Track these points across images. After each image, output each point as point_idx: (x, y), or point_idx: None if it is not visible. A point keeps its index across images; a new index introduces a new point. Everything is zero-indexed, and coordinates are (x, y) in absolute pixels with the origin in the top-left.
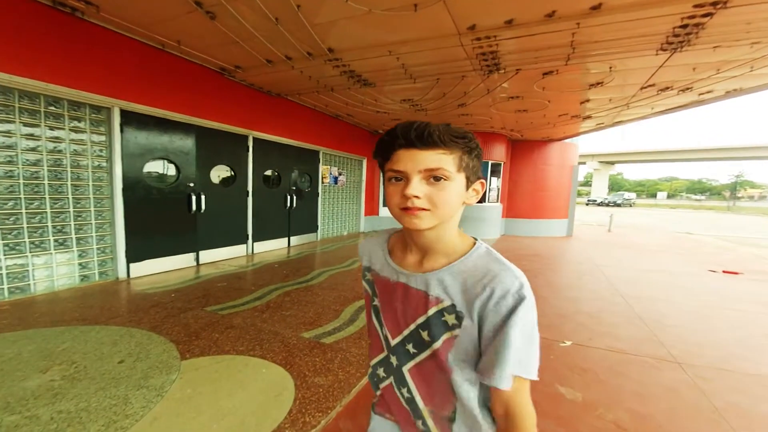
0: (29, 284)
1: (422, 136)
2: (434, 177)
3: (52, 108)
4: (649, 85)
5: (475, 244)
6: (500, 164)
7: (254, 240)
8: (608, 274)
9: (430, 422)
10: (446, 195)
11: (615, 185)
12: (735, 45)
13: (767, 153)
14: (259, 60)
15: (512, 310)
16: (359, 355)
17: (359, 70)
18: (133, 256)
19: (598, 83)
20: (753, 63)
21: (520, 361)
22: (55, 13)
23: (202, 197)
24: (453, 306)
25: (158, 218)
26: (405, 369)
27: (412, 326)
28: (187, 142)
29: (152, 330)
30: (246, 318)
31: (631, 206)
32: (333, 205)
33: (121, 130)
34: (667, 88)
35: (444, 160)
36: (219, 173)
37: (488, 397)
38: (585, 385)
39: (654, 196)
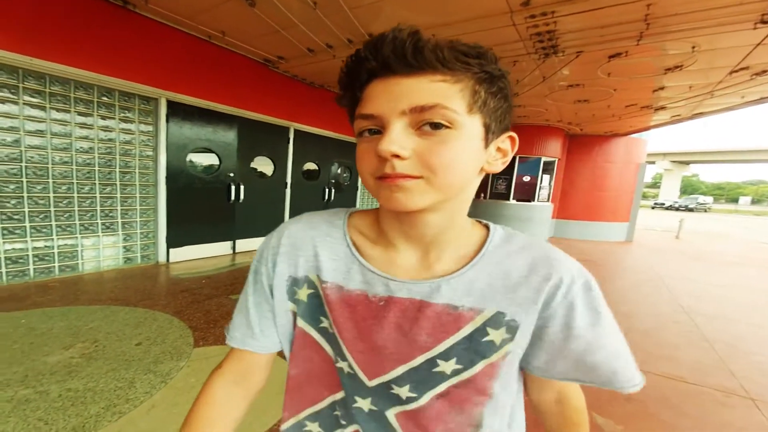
0: (78, 263)
1: (406, 53)
2: (430, 123)
3: (105, 98)
4: (742, 68)
5: (488, 227)
6: (554, 161)
7: None
8: (672, 286)
9: None
10: (451, 152)
11: (689, 187)
12: None
13: None
14: (300, 50)
15: (594, 299)
16: None
17: None
18: (173, 242)
19: (676, 67)
20: None
21: (625, 354)
22: (107, 6)
23: (242, 187)
24: (500, 314)
25: (198, 206)
26: (390, 413)
27: (419, 360)
28: (229, 134)
29: (175, 315)
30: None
31: (705, 211)
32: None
33: (167, 121)
34: (765, 71)
35: (445, 91)
36: (259, 165)
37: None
38: (628, 417)
39: (735, 201)
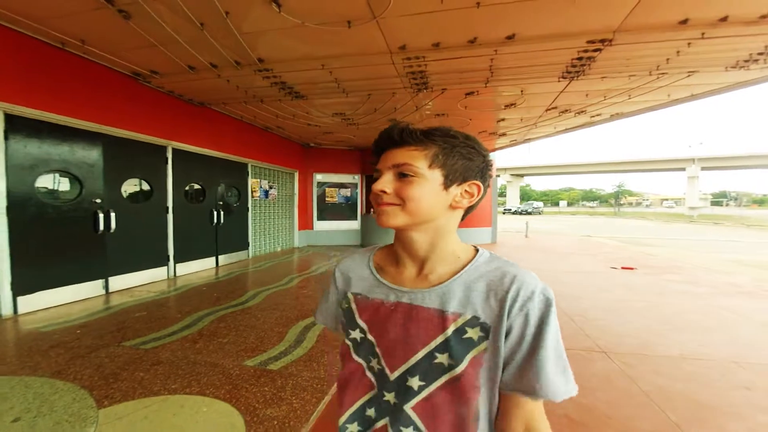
0: None
1: (397, 134)
2: (401, 172)
3: None
4: (552, 108)
5: (477, 250)
6: None
7: (176, 261)
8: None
9: None
10: (413, 190)
11: (525, 195)
12: (617, 76)
13: (640, 167)
14: (179, 66)
15: (545, 313)
16: (312, 378)
17: (291, 82)
18: (21, 288)
19: (511, 104)
20: (630, 92)
21: (564, 366)
22: None
23: (112, 215)
24: (476, 318)
25: (55, 241)
26: (407, 407)
27: (422, 353)
28: (92, 153)
29: (55, 376)
30: (176, 351)
31: (540, 214)
32: (264, 220)
33: (6, 138)
34: (566, 110)
35: (414, 156)
36: (130, 188)
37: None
38: None
39: (557, 204)
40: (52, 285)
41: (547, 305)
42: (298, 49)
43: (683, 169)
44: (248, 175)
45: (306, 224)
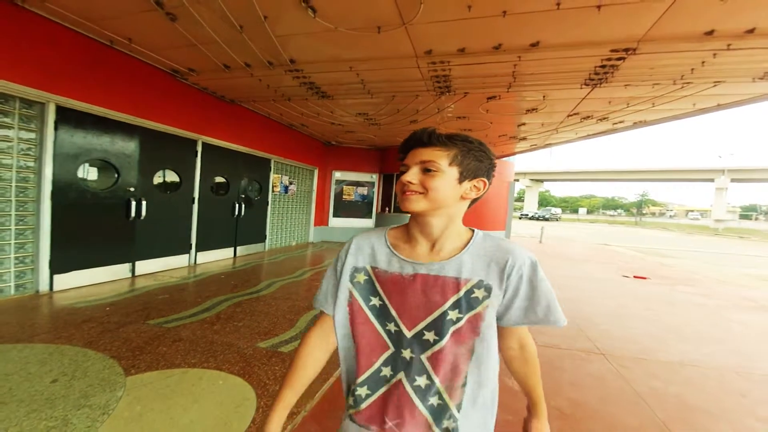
0: None
1: (426, 137)
2: (426, 168)
3: None
4: (574, 114)
5: (474, 230)
6: None
7: (198, 250)
8: None
9: (445, 395)
10: (435, 182)
11: (543, 201)
12: (641, 84)
13: (665, 176)
14: (216, 65)
15: (534, 272)
16: None
17: (319, 83)
18: (58, 267)
19: (533, 109)
20: (654, 100)
21: (552, 306)
22: None
23: (143, 203)
24: (481, 281)
25: (90, 225)
26: (423, 357)
27: (437, 312)
28: (129, 144)
29: (87, 346)
30: (195, 330)
31: (557, 220)
32: (282, 214)
33: (56, 128)
34: (588, 117)
35: (437, 155)
36: (163, 178)
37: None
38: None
39: (576, 211)
40: (85, 266)
41: (534, 267)
42: (329, 52)
43: (712, 180)
44: (271, 170)
45: (322, 220)
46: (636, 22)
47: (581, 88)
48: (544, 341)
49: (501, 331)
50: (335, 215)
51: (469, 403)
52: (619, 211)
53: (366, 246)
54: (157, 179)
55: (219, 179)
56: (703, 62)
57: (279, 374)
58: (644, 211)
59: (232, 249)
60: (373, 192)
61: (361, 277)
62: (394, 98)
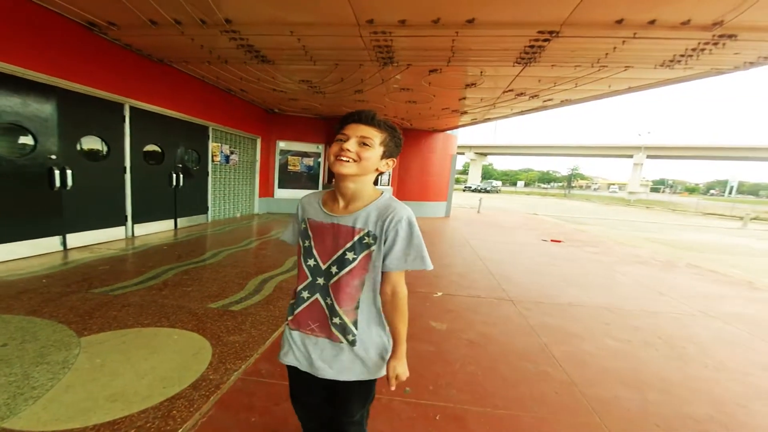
0: None
1: (368, 118)
2: (363, 142)
3: None
4: (509, 90)
5: (382, 193)
6: None
7: (134, 222)
8: (474, 245)
9: (343, 316)
10: (367, 153)
11: (486, 174)
12: (565, 66)
13: (592, 152)
14: (140, 19)
15: (409, 227)
16: (268, 316)
17: (258, 46)
18: None
19: (472, 84)
20: (576, 81)
21: (420, 255)
22: None
23: (68, 172)
24: (369, 232)
25: (9, 195)
26: (330, 284)
27: (340, 252)
28: (45, 107)
29: (31, 314)
30: (144, 296)
31: (498, 192)
32: (224, 185)
33: None
34: (522, 93)
35: (374, 134)
36: (88, 145)
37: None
38: (449, 320)
39: (515, 184)
40: (6, 239)
41: (409, 224)
42: (267, 13)
43: (631, 156)
44: (209, 138)
45: (267, 191)
46: (559, 6)
47: (514, 66)
48: (468, 293)
49: (381, 277)
50: (281, 186)
51: (363, 321)
52: (552, 184)
53: (308, 202)
54: (86, 146)
55: (152, 147)
56: (614, 48)
57: (231, 328)
58: (573, 185)
59: (173, 221)
60: (320, 163)
61: (302, 226)
62: (337, 66)
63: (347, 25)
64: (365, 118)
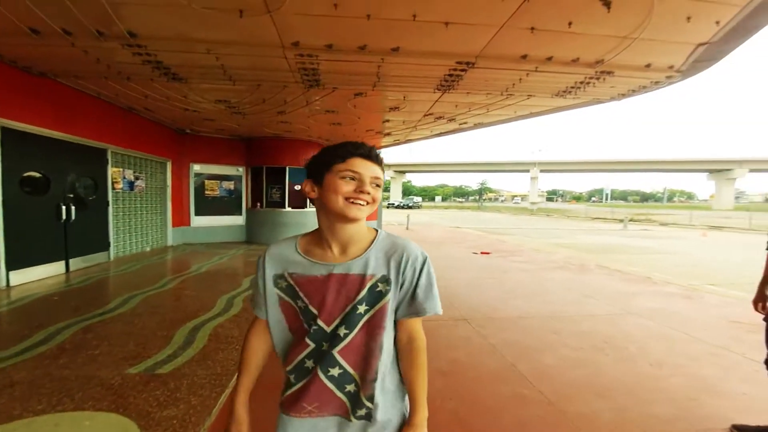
0: None
1: (373, 155)
2: (377, 183)
3: None
4: (429, 114)
5: (377, 231)
6: None
7: (9, 267)
8: None
9: (360, 385)
10: (378, 194)
11: (406, 190)
12: (478, 93)
13: (496, 167)
14: (17, 27)
15: (424, 266)
16: (209, 375)
17: (168, 63)
18: None
19: (395, 107)
20: (488, 107)
21: (436, 297)
22: None
23: None
24: (383, 276)
25: None
26: (335, 351)
27: (348, 307)
28: None
29: None
30: (32, 369)
31: (419, 208)
32: (129, 215)
33: None
34: (441, 117)
35: (380, 173)
36: None
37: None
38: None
39: (433, 199)
40: None
41: (426, 262)
42: (181, 30)
43: (528, 171)
44: (108, 163)
45: (181, 220)
46: (474, 40)
47: (435, 92)
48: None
49: (395, 325)
50: (198, 213)
51: (379, 393)
52: (467, 197)
53: (279, 256)
54: None
55: (32, 174)
56: (520, 79)
57: (162, 399)
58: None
59: (64, 263)
60: (242, 186)
61: (283, 283)
62: (259, 87)
63: (272, 46)
64: (374, 156)
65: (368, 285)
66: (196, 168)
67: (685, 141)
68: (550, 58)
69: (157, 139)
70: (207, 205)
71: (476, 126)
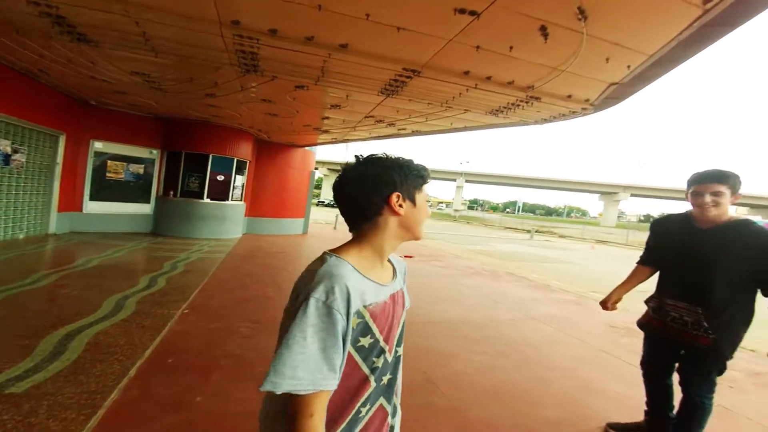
0: None
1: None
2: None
3: None
4: (370, 116)
5: None
6: (246, 162)
7: None
8: None
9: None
10: None
11: None
12: (420, 102)
13: (437, 176)
14: None
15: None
16: (79, 394)
17: (74, 21)
18: None
19: (336, 105)
20: (427, 116)
21: None
22: None
23: None
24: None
25: None
26: (398, 374)
27: (401, 325)
28: None
29: None
30: None
31: None
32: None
33: None
34: (380, 120)
35: None
36: None
37: None
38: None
39: None
40: None
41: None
42: None
43: (455, 180)
44: None
45: (71, 204)
46: (423, 49)
47: (378, 95)
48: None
49: None
50: (94, 198)
51: (397, 401)
52: None
53: (356, 285)
54: None
55: None
56: (460, 93)
57: (11, 426)
58: None
59: None
60: (154, 171)
61: (354, 322)
62: (188, 64)
63: (207, 21)
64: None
65: (407, 297)
66: (98, 146)
67: (585, 165)
68: (489, 78)
69: (50, 107)
70: (107, 190)
71: (414, 133)
